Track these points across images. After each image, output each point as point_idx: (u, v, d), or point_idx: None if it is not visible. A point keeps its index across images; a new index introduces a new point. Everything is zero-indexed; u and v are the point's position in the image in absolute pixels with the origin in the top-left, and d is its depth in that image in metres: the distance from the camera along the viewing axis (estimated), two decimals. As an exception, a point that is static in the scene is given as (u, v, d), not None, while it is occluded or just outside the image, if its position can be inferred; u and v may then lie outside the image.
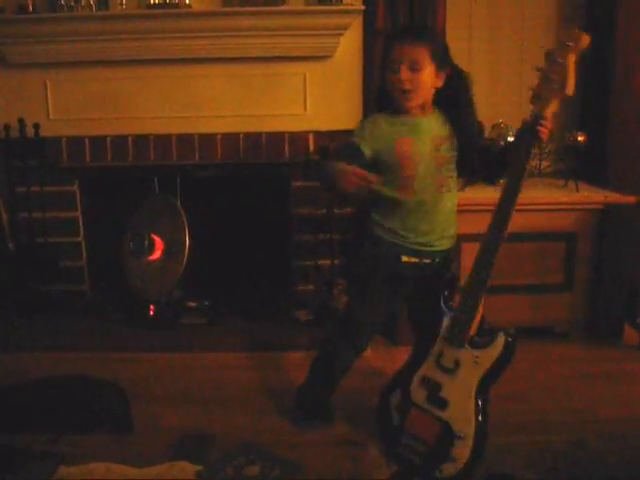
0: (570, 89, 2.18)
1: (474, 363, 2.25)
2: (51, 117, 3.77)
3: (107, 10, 3.58)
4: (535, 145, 2.26)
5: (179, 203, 3.72)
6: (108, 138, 3.78)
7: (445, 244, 2.57)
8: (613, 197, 3.44)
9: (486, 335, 2.29)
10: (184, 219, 3.66)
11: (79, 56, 3.63)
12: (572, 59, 2.18)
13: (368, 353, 3.17)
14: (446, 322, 2.30)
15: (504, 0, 3.88)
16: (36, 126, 3.70)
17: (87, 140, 3.78)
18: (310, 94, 3.72)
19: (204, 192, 3.88)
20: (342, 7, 3.53)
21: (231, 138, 3.75)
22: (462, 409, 2.27)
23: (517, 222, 3.40)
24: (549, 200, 3.44)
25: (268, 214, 3.94)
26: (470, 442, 2.25)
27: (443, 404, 2.29)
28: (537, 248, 3.49)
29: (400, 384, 2.40)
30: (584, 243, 3.49)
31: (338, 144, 2.32)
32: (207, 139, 3.77)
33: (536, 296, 3.53)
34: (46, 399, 2.60)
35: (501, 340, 2.25)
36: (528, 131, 2.21)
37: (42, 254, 3.91)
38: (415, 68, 2.29)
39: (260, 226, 3.93)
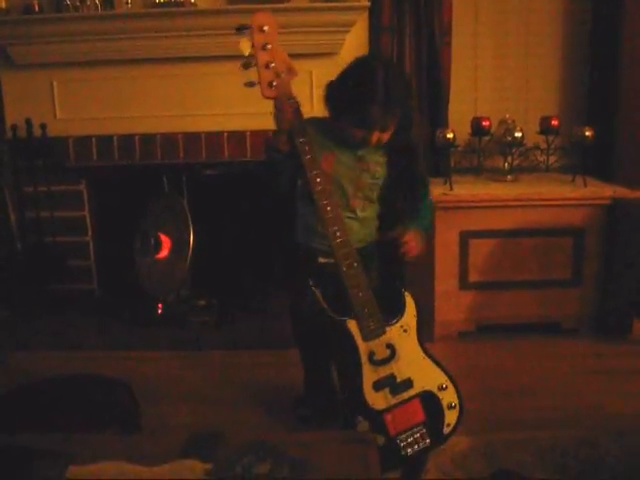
0: (294, 68, 2.19)
1: (403, 332, 2.29)
2: (58, 117, 3.78)
3: (112, 9, 3.60)
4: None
5: (185, 202, 3.72)
6: (115, 137, 3.79)
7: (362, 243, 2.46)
8: (621, 192, 3.43)
9: (390, 305, 2.32)
10: (189, 218, 3.66)
11: (85, 56, 3.65)
12: (275, 41, 2.17)
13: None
14: (353, 327, 2.25)
15: (510, 3, 3.86)
16: (43, 126, 3.72)
17: (94, 139, 3.79)
18: (316, 91, 3.71)
19: (211, 190, 3.88)
20: (348, 4, 3.53)
21: (238, 136, 3.75)
22: (426, 372, 2.31)
23: (525, 218, 3.44)
24: (557, 195, 3.44)
25: (276, 212, 3.94)
26: (451, 384, 2.32)
27: (409, 383, 2.29)
28: (545, 243, 3.48)
29: (355, 413, 2.31)
30: (592, 238, 3.48)
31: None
32: (214, 137, 3.78)
33: (544, 291, 3.53)
34: (55, 398, 2.60)
35: (409, 298, 2.33)
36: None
37: (49, 253, 3.92)
38: (384, 130, 2.27)
39: (268, 224, 3.93)
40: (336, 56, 3.64)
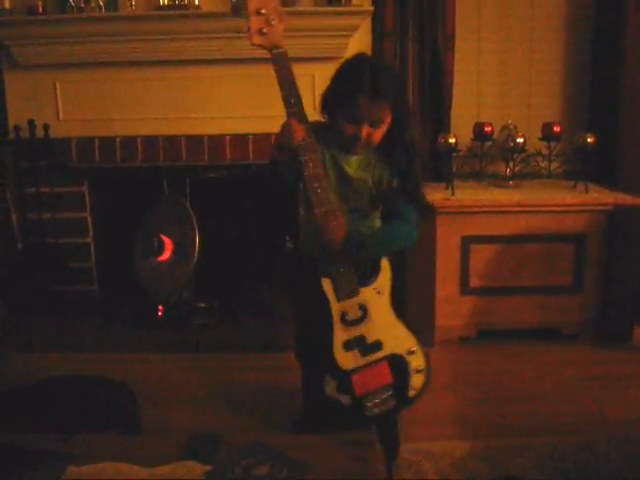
0: (283, 15, 2.16)
1: (377, 294, 2.30)
2: (61, 118, 3.79)
3: (116, 11, 3.61)
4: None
5: (188, 204, 3.73)
6: (117, 139, 3.79)
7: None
8: (623, 199, 3.43)
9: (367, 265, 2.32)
10: (194, 220, 3.67)
11: (89, 57, 3.65)
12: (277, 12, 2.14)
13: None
14: (327, 286, 2.28)
15: (514, 2, 3.87)
16: (46, 127, 3.72)
17: (97, 141, 3.80)
18: (319, 95, 3.71)
19: (213, 193, 3.88)
20: (351, 8, 3.53)
21: (240, 139, 3.76)
22: (396, 335, 2.32)
23: (526, 223, 3.45)
24: (558, 201, 3.44)
25: (277, 214, 3.94)
26: (420, 350, 2.33)
27: (378, 345, 2.31)
28: (546, 249, 3.48)
29: (324, 373, 2.36)
30: (593, 245, 3.48)
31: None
32: (216, 140, 3.78)
33: (545, 297, 3.53)
34: (55, 399, 2.60)
35: (385, 262, 2.31)
36: None
37: (51, 254, 3.92)
38: (375, 125, 2.24)
39: (269, 226, 3.94)
40: (339, 60, 3.63)
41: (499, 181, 3.74)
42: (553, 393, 3.03)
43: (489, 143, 3.75)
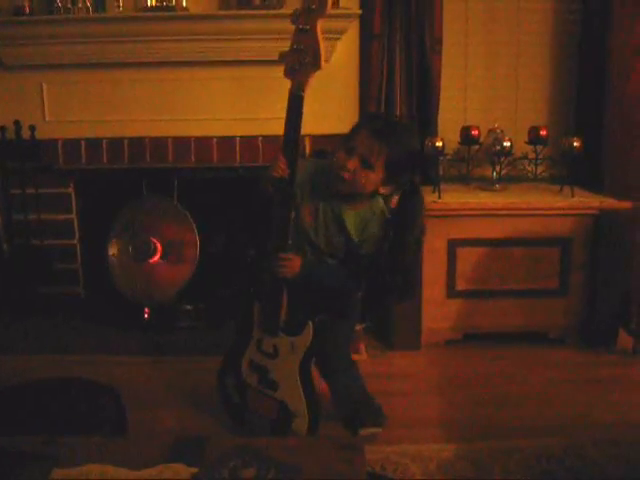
0: (322, 62, 2.14)
1: (291, 348, 2.37)
2: (47, 119, 3.77)
3: (104, 13, 3.58)
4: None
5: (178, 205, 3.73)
6: (104, 140, 3.78)
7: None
8: (608, 202, 3.45)
9: (296, 322, 2.39)
10: (191, 220, 3.68)
11: (75, 58, 3.63)
12: (319, 26, 2.12)
13: (364, 357, 3.21)
14: (256, 310, 2.40)
15: (501, 6, 3.88)
16: (32, 128, 3.70)
17: (83, 142, 3.78)
18: (306, 97, 3.71)
19: (199, 194, 3.87)
20: (339, 11, 3.53)
21: (227, 141, 3.75)
22: (291, 390, 2.39)
23: (512, 227, 3.46)
24: (544, 205, 3.45)
25: (264, 216, 3.93)
26: (306, 419, 2.39)
27: (274, 385, 2.42)
28: (532, 253, 3.49)
29: (232, 367, 2.51)
30: (579, 248, 3.50)
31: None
32: (203, 142, 3.78)
33: (531, 301, 3.54)
34: (40, 401, 2.59)
35: (310, 327, 2.35)
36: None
37: (36, 256, 3.90)
38: (365, 164, 2.26)
39: (256, 228, 3.93)
40: (327, 63, 3.64)
41: (486, 184, 3.75)
42: (539, 396, 3.04)
43: (476, 147, 3.76)
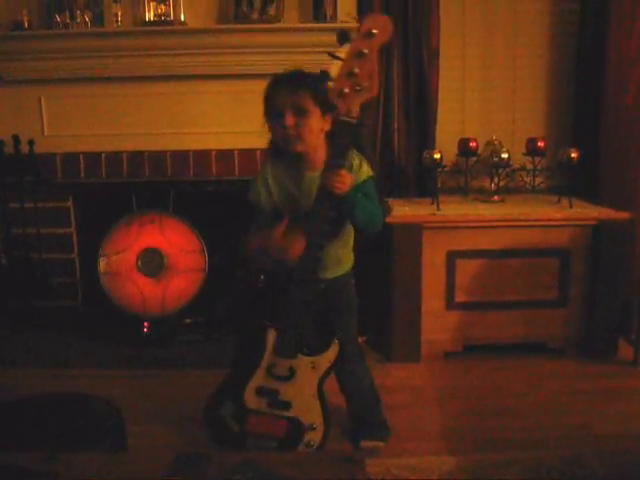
0: (377, 88, 2.07)
1: (312, 368, 2.36)
2: (46, 133, 3.78)
3: (102, 27, 3.60)
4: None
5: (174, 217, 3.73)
6: (103, 154, 3.79)
7: (334, 274, 2.52)
8: (606, 213, 3.45)
9: (318, 340, 2.38)
10: (197, 233, 3.69)
11: (74, 73, 3.65)
12: (377, 51, 2.04)
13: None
14: (270, 337, 2.35)
15: (498, 19, 3.90)
16: (31, 142, 3.70)
17: (81, 156, 3.79)
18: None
19: (197, 207, 3.87)
20: (336, 24, 3.54)
21: (226, 154, 3.76)
22: (308, 406, 2.38)
23: (511, 238, 3.46)
24: (543, 216, 3.46)
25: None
26: (321, 430, 2.40)
27: (287, 405, 2.39)
28: (531, 264, 3.49)
29: (229, 397, 2.46)
30: (578, 259, 3.50)
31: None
32: (201, 155, 3.78)
33: (530, 312, 3.54)
34: (39, 416, 2.58)
35: (336, 345, 2.36)
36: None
37: (35, 270, 3.90)
38: (300, 113, 2.23)
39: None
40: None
41: (484, 196, 3.76)
42: (539, 407, 3.04)
43: (474, 158, 3.77)
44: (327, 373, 2.39)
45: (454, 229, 3.44)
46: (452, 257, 3.47)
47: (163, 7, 3.58)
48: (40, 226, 3.85)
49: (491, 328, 3.55)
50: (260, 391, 2.39)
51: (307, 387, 2.38)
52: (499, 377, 3.35)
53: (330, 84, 2.09)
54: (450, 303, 3.52)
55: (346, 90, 2.04)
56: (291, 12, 3.66)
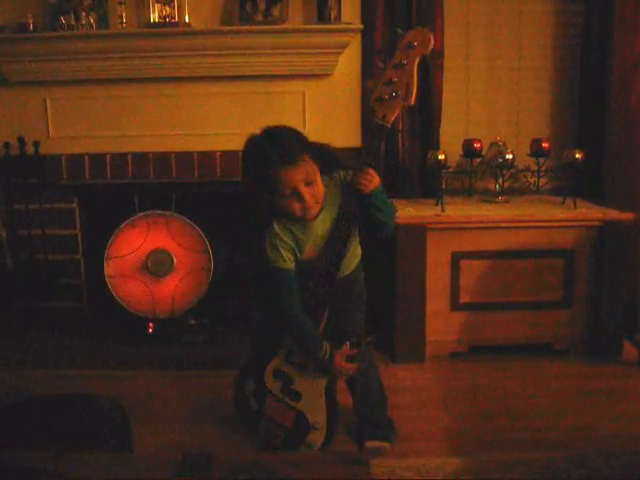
0: (414, 98, 2.17)
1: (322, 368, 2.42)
2: (51, 135, 3.79)
3: (107, 29, 3.61)
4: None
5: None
6: (108, 156, 3.80)
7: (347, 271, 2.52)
8: (611, 214, 3.45)
9: (334, 339, 2.42)
10: (202, 234, 3.71)
11: (79, 74, 3.65)
12: (416, 63, 2.15)
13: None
14: None
15: (501, 19, 3.90)
16: (36, 144, 3.72)
17: (87, 158, 3.80)
18: (309, 112, 3.74)
19: (202, 209, 3.87)
20: (341, 26, 3.56)
21: (230, 155, 3.76)
22: (314, 403, 2.45)
23: (516, 239, 3.46)
24: (547, 217, 3.46)
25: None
26: (324, 431, 2.46)
27: (297, 396, 2.46)
28: (535, 265, 3.49)
29: (253, 373, 2.53)
30: (582, 260, 3.49)
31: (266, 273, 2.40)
32: (206, 157, 3.79)
33: (535, 313, 3.53)
34: (46, 417, 2.59)
35: (346, 346, 2.40)
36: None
37: (40, 271, 3.91)
38: (310, 183, 2.24)
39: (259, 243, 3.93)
40: (329, 77, 3.67)
41: (488, 197, 3.76)
42: (544, 408, 3.04)
43: (478, 159, 3.77)
44: (333, 381, 2.46)
45: (459, 230, 3.44)
46: (457, 258, 3.47)
47: (168, 9, 3.59)
48: (45, 227, 3.87)
49: (496, 329, 3.54)
50: (277, 374, 2.47)
51: (317, 382, 2.43)
52: (504, 378, 3.34)
53: (370, 83, 2.22)
54: (455, 304, 3.52)
55: (385, 96, 2.15)
56: (295, 13, 3.66)
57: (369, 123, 3.52)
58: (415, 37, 2.13)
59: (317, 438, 2.47)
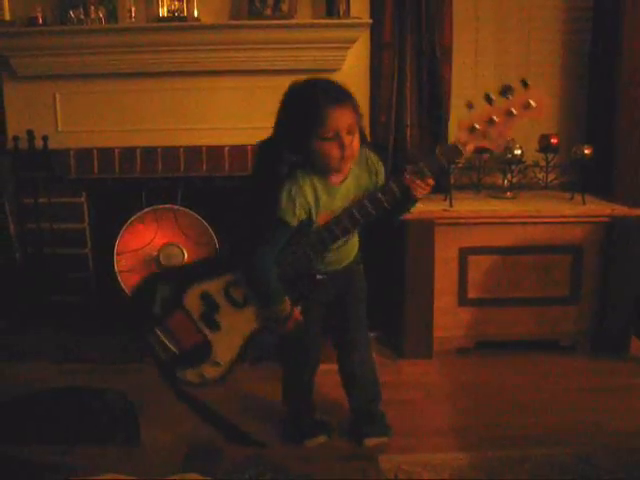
0: (501, 148, 2.36)
1: (262, 313, 2.41)
2: (60, 129, 3.79)
3: (116, 23, 3.61)
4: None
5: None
6: (116, 150, 3.80)
7: (347, 262, 2.53)
8: (620, 210, 3.44)
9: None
10: (210, 229, 3.70)
11: (88, 69, 3.66)
12: (518, 120, 2.20)
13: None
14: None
15: (511, 14, 3.89)
16: (45, 138, 3.72)
17: (95, 152, 3.81)
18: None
19: (208, 203, 3.87)
20: (349, 21, 3.55)
21: (239, 150, 3.77)
22: (230, 341, 2.41)
23: (523, 235, 3.46)
24: (555, 213, 3.45)
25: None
26: (222, 370, 2.43)
27: (215, 327, 2.42)
28: (543, 261, 3.49)
29: (175, 281, 2.46)
30: (590, 256, 3.49)
31: (266, 223, 2.31)
32: (215, 151, 3.79)
33: (542, 309, 3.53)
34: (54, 411, 2.61)
35: (297, 311, 2.41)
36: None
37: (48, 265, 3.92)
38: (350, 132, 2.20)
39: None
40: (338, 72, 3.66)
41: (497, 192, 3.76)
42: (551, 404, 3.04)
43: (487, 155, 3.76)
44: (262, 330, 2.43)
45: (467, 225, 3.44)
46: (464, 253, 3.47)
47: (177, 3, 3.59)
48: (54, 221, 3.88)
49: (503, 324, 3.54)
50: (205, 298, 2.41)
51: (244, 324, 2.41)
52: (510, 374, 3.35)
53: (469, 104, 2.22)
54: (462, 299, 3.51)
55: (478, 128, 2.18)
56: (304, 8, 3.66)
57: (378, 122, 3.54)
58: (535, 98, 2.18)
59: (213, 372, 2.43)
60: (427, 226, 3.37)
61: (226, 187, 3.89)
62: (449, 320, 3.51)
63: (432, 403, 3.08)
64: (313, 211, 2.27)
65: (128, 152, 3.80)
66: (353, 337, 2.63)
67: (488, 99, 2.18)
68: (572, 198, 3.62)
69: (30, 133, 3.71)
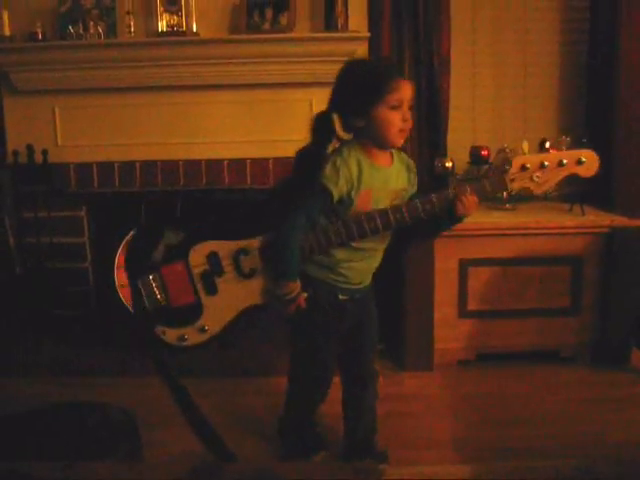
0: (544, 192, 2.29)
1: (266, 289, 2.29)
2: (59, 143, 3.80)
3: (115, 38, 3.63)
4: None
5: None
6: (116, 164, 3.81)
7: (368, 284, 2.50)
8: (619, 221, 3.45)
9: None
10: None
11: (87, 83, 3.68)
12: (571, 173, 2.25)
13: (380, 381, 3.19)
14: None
15: (508, 25, 3.91)
16: (44, 152, 3.73)
17: (95, 166, 3.81)
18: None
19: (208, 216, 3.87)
20: (348, 34, 3.57)
21: (238, 163, 3.78)
22: (222, 310, 2.30)
23: (523, 246, 3.46)
24: (555, 224, 3.46)
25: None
26: (206, 337, 2.32)
27: (211, 290, 2.30)
28: (543, 272, 3.49)
29: (186, 231, 2.35)
30: (590, 267, 3.49)
31: (306, 187, 2.23)
32: (214, 165, 3.80)
33: (542, 320, 3.53)
34: (55, 425, 2.59)
35: (303, 297, 2.31)
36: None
37: (48, 279, 3.92)
38: (411, 107, 2.21)
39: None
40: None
41: (496, 204, 3.76)
42: (552, 416, 3.03)
43: (486, 166, 3.77)
44: (259, 308, 2.32)
45: (467, 237, 3.44)
46: (464, 265, 3.48)
47: (176, 18, 3.61)
48: (53, 235, 3.88)
49: (504, 336, 3.54)
50: (212, 258, 2.30)
51: (243, 297, 2.30)
52: (511, 385, 3.34)
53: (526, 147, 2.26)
54: (463, 311, 3.52)
55: (529, 168, 2.20)
56: (303, 22, 3.67)
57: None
58: (587, 156, 2.25)
59: (195, 338, 2.33)
60: (427, 238, 3.38)
61: (225, 200, 3.90)
62: (450, 332, 3.51)
63: (433, 415, 3.07)
64: (355, 187, 2.21)
65: (128, 166, 3.81)
66: (368, 370, 2.55)
67: (542, 147, 2.23)
68: (571, 209, 3.62)
69: (30, 147, 3.72)
